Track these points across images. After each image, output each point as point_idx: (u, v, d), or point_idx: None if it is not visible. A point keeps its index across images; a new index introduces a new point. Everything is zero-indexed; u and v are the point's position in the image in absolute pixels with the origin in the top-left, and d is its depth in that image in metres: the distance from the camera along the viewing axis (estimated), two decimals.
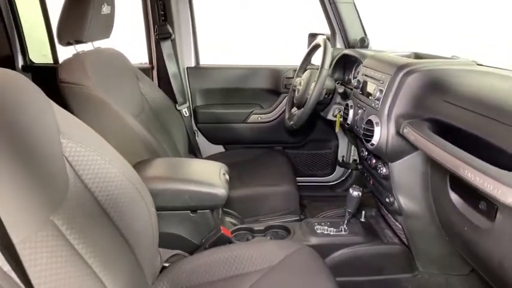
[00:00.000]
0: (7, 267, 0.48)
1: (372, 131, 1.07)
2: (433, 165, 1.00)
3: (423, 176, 1.04)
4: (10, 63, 2.03)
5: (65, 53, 1.39)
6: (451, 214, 0.94)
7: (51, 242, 0.65)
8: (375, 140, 1.06)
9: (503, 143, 0.68)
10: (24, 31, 2.04)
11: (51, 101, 0.77)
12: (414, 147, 1.01)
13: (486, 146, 0.73)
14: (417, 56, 1.28)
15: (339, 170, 2.14)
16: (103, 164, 0.80)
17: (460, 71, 0.96)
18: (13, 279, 0.49)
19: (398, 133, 1.00)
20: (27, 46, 2.06)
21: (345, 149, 2.08)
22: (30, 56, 2.08)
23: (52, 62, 2.06)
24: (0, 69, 0.70)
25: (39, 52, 2.09)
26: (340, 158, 2.10)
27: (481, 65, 1.10)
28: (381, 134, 1.04)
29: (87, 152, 0.77)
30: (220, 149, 2.09)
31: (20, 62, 2.06)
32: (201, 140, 2.06)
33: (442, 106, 0.88)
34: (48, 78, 1.24)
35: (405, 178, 1.08)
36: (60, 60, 2.02)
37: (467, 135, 0.79)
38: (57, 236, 0.67)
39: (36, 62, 2.10)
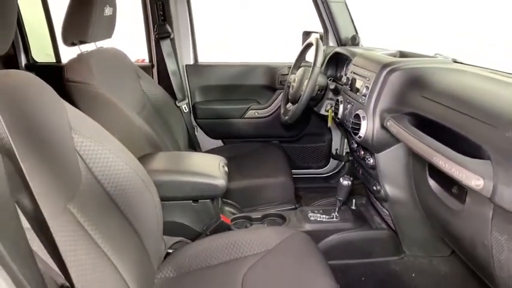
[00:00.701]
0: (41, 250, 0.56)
1: (359, 125, 1.16)
2: (414, 155, 1.09)
3: (406, 165, 1.14)
4: (13, 62, 2.09)
5: (66, 52, 1.45)
6: (430, 199, 1.04)
7: (69, 227, 0.73)
8: (362, 132, 1.15)
9: (470, 134, 0.78)
10: (26, 30, 2.10)
11: (62, 99, 0.84)
12: (397, 139, 1.10)
13: (457, 137, 0.82)
14: (402, 54, 1.37)
15: (332, 163, 2.22)
16: (111, 157, 0.87)
17: (438, 69, 1.05)
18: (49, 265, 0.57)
19: (383, 126, 1.09)
20: (30, 45, 2.12)
21: (338, 142, 2.17)
22: (32, 55, 2.14)
23: (55, 61, 2.12)
24: (15, 71, 0.78)
25: (43, 51, 2.15)
26: (333, 151, 2.19)
27: (461, 63, 1.19)
28: (367, 127, 1.13)
29: (97, 146, 0.85)
30: (219, 143, 2.17)
31: (23, 61, 2.13)
32: (200, 134, 2.14)
33: (421, 101, 0.97)
34: (51, 77, 1.31)
35: (390, 167, 1.17)
36: (62, 58, 2.11)
37: (441, 128, 0.88)
38: (73, 222, 0.74)
39: (38, 61, 2.17)
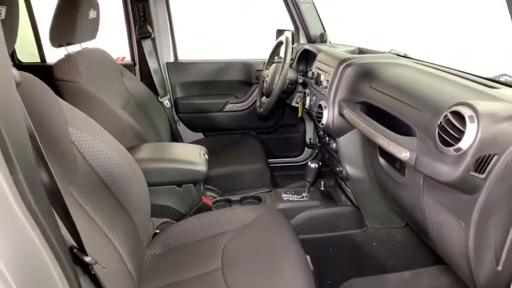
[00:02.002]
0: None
1: (322, 114, 1.32)
2: (367, 138, 1.27)
3: (361, 147, 1.31)
4: None
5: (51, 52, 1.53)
6: (381, 174, 1.22)
7: (71, 207, 0.85)
8: (324, 120, 1.32)
9: (403, 116, 0.95)
10: None
11: (57, 96, 0.96)
12: (353, 125, 1.27)
13: (396, 120, 0.99)
14: (360, 51, 1.55)
15: (307, 151, 2.40)
16: (103, 147, 0.99)
17: (385, 64, 1.23)
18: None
19: (341, 114, 1.26)
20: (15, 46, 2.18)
21: (311, 132, 2.34)
22: (18, 56, 2.21)
23: (39, 61, 2.20)
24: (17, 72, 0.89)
25: (28, 52, 2.21)
26: (307, 140, 2.36)
27: (409, 58, 1.37)
28: (328, 116, 1.30)
29: (90, 137, 0.97)
30: (200, 136, 2.31)
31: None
32: (182, 128, 2.27)
33: (369, 91, 1.14)
34: (38, 77, 1.40)
35: (349, 150, 1.35)
36: (47, 59, 2.18)
37: (385, 113, 1.05)
38: (75, 203, 0.87)
39: (24, 61, 2.24)
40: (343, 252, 1.52)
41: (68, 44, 1.49)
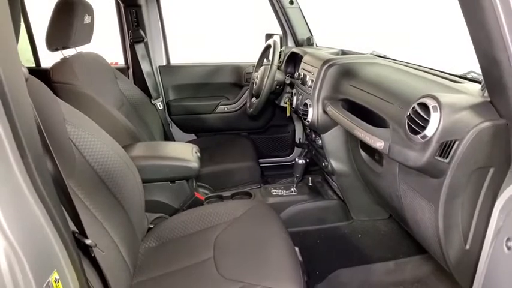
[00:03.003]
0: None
1: (307, 111, 1.40)
2: (349, 133, 1.35)
3: (345, 142, 1.40)
4: None
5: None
6: (363, 167, 1.30)
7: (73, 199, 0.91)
8: (309, 117, 1.39)
9: (378, 110, 1.03)
10: None
11: (56, 96, 1.02)
12: (336, 122, 1.35)
13: (373, 114, 1.07)
14: (343, 52, 1.63)
15: (297, 150, 2.47)
16: (99, 144, 1.05)
17: (364, 63, 1.32)
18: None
19: (324, 111, 1.34)
20: None
21: (300, 132, 2.42)
22: None
23: (34, 65, 2.25)
24: None
25: (23, 57, 2.26)
26: (297, 140, 2.44)
27: (388, 58, 1.46)
28: (313, 113, 1.38)
29: (86, 135, 1.02)
30: (192, 137, 2.37)
31: None
32: (174, 129, 2.33)
33: (349, 89, 1.22)
34: None
35: (333, 145, 1.43)
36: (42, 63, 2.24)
37: (364, 108, 1.13)
38: (74, 196, 0.92)
39: None
40: (330, 243, 1.59)
41: (64, 48, 1.55)
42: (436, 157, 0.79)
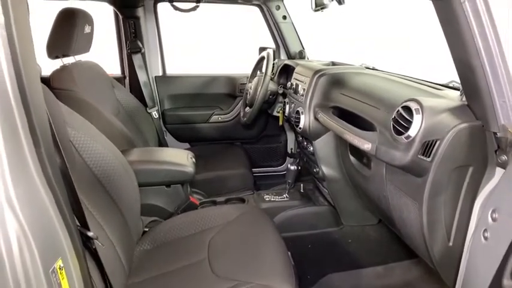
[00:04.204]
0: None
1: (299, 118, 1.46)
2: (339, 138, 1.41)
3: (335, 148, 1.46)
4: None
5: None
6: (352, 171, 1.35)
7: None
8: (301, 124, 1.46)
9: (367, 116, 1.10)
10: None
11: (57, 99, 1.06)
12: (327, 128, 1.41)
13: (362, 119, 1.14)
14: (333, 63, 1.72)
15: (289, 160, 2.53)
16: (97, 147, 1.08)
17: (353, 73, 1.40)
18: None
19: (316, 118, 1.40)
20: None
21: (292, 142, 2.48)
22: None
23: None
24: None
25: None
26: (289, 150, 2.50)
27: (374, 69, 1.54)
28: (305, 120, 1.44)
29: (86, 137, 1.06)
30: (186, 146, 2.41)
31: None
32: (169, 138, 2.37)
33: (340, 97, 1.29)
34: None
35: (324, 151, 1.49)
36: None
37: (354, 114, 1.20)
38: None
39: None
40: (321, 248, 1.63)
41: (64, 55, 1.59)
42: (419, 156, 0.85)
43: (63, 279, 0.67)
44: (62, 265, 0.67)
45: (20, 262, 0.58)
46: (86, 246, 0.84)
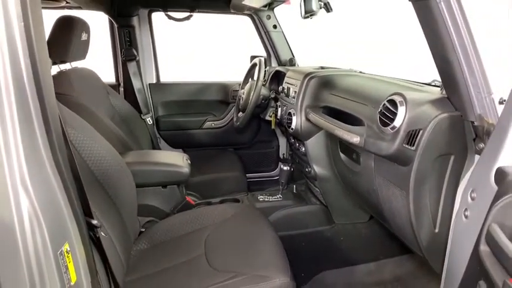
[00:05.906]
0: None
1: (291, 119, 1.53)
2: (330, 137, 1.47)
3: (326, 147, 1.52)
4: None
5: None
6: (343, 168, 1.41)
7: None
8: (293, 125, 1.52)
9: (355, 112, 1.17)
10: None
11: (56, 100, 1.09)
12: (318, 128, 1.48)
13: (351, 116, 1.20)
14: (322, 68, 1.80)
15: (281, 165, 2.57)
16: (96, 147, 1.11)
17: (342, 75, 1.47)
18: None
19: (307, 119, 1.47)
20: None
21: (284, 147, 2.54)
22: None
23: None
24: None
25: None
26: (281, 155, 2.55)
27: (361, 72, 1.63)
28: (297, 121, 1.51)
29: (85, 137, 1.09)
30: (180, 152, 2.43)
31: None
32: (163, 144, 2.40)
33: (330, 97, 1.36)
34: None
35: (315, 151, 1.55)
36: None
37: (343, 112, 1.26)
38: None
39: None
40: (314, 247, 1.67)
41: (61, 62, 1.63)
42: (404, 145, 0.92)
43: (69, 262, 0.70)
44: (68, 249, 0.70)
45: (32, 241, 0.61)
46: (89, 235, 0.86)
